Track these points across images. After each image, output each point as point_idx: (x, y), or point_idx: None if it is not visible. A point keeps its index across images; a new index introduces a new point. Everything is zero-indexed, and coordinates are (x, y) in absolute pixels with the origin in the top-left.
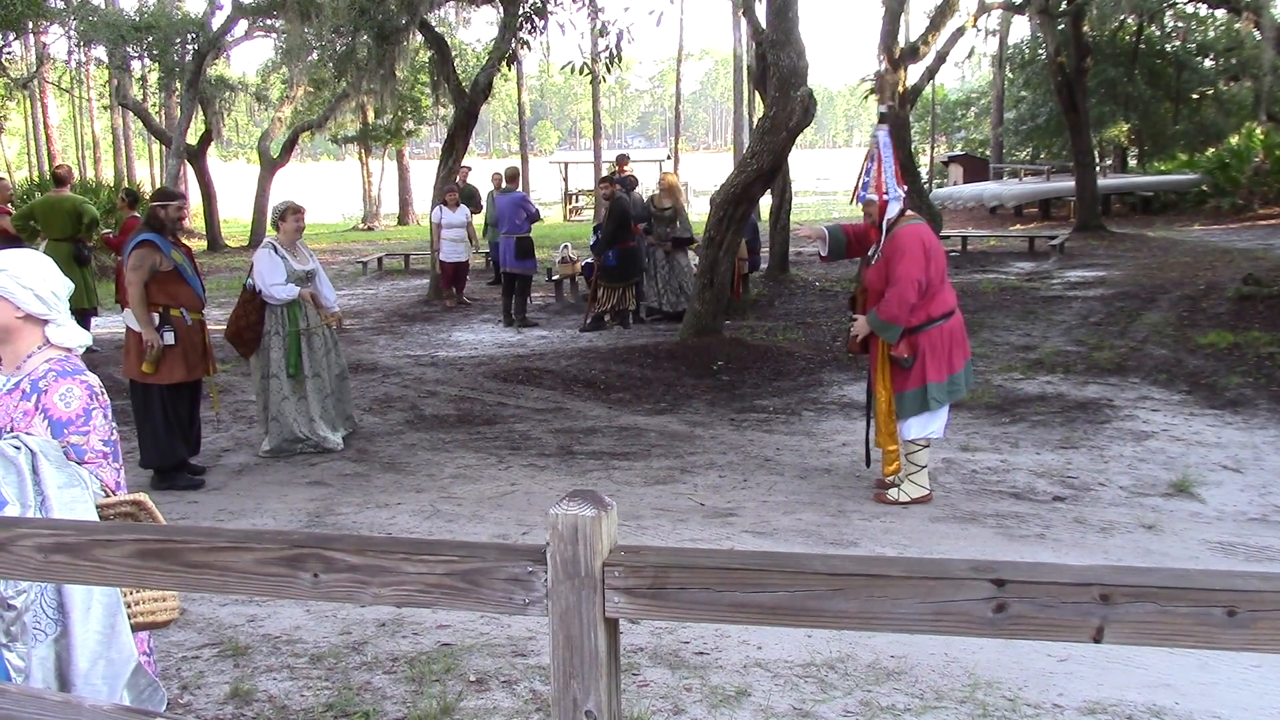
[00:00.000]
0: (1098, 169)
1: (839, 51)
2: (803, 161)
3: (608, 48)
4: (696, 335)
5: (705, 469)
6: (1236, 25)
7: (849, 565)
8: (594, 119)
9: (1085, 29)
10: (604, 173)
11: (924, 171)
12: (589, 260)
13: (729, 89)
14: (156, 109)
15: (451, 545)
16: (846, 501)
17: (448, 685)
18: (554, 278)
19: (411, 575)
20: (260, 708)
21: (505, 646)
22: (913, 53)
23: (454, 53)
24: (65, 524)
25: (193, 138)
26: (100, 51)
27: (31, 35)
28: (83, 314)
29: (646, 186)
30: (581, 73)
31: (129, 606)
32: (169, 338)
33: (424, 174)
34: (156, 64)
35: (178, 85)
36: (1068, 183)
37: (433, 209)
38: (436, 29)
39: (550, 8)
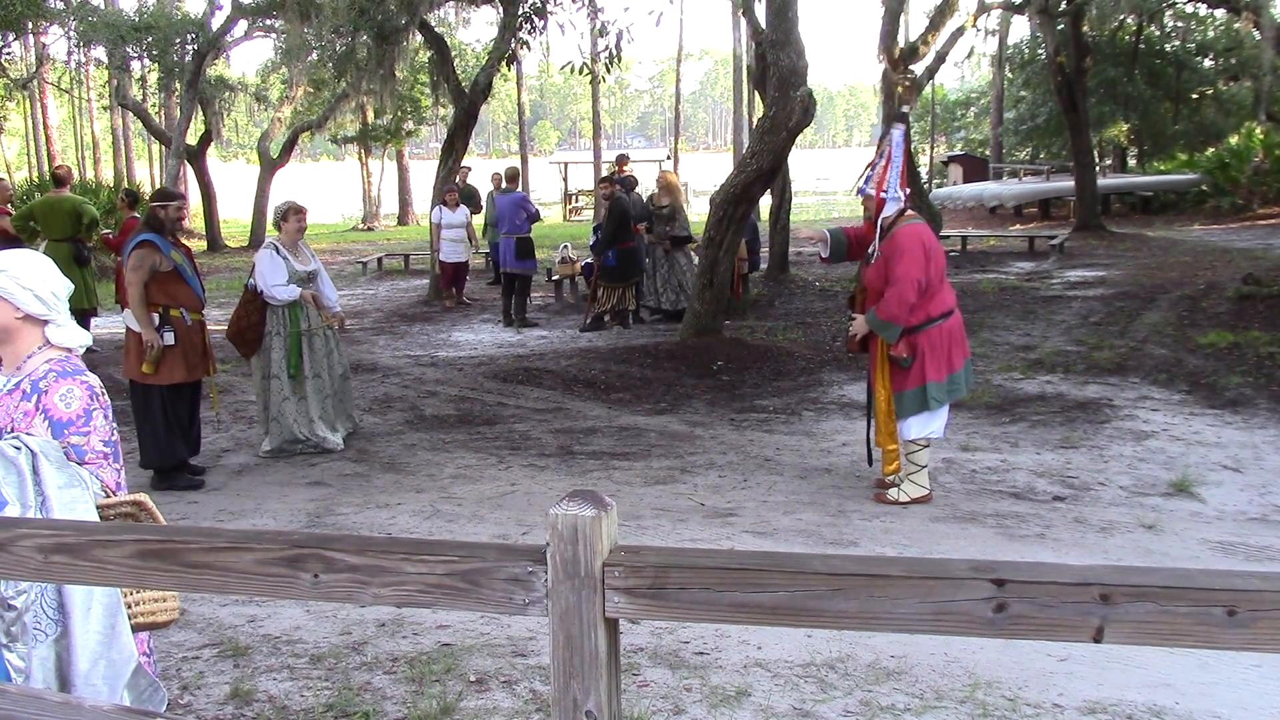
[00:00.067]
0: (1097, 169)
1: (839, 51)
2: (803, 161)
3: (607, 48)
4: (696, 335)
5: (705, 469)
6: (1236, 25)
7: (849, 565)
8: (594, 119)
9: (1085, 29)
10: (604, 173)
11: (924, 171)
12: (589, 260)
13: (729, 89)
14: (156, 109)
15: (451, 545)
16: (846, 501)
17: (448, 685)
18: (554, 278)
19: (412, 575)
20: (260, 708)
21: (505, 646)
22: (912, 53)
23: (454, 53)
24: (65, 524)
25: (192, 138)
26: (100, 52)
27: (31, 35)
28: (83, 314)
29: (646, 187)
30: (581, 73)
31: (129, 607)
32: (169, 338)
33: (424, 174)
34: (156, 64)
35: (177, 85)
36: (1067, 183)
37: (432, 209)
38: (436, 29)
39: (550, 8)
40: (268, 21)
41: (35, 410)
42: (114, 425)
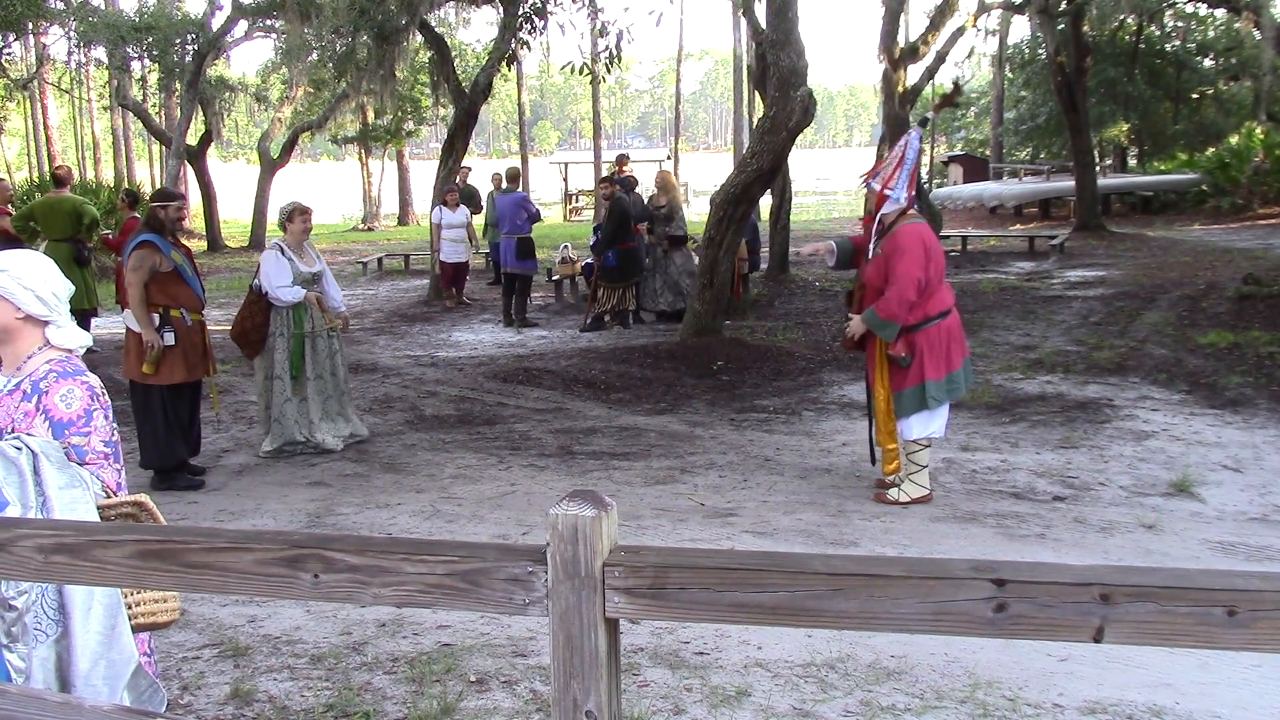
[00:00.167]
0: (1098, 169)
1: (839, 51)
2: (803, 161)
3: (607, 48)
4: (696, 335)
5: (705, 469)
6: (1236, 25)
7: (849, 565)
8: (594, 119)
9: (1085, 29)
10: (604, 173)
11: (924, 171)
12: (589, 260)
13: (729, 89)
14: (156, 110)
15: (452, 545)
16: (846, 501)
17: (448, 685)
18: (554, 278)
19: (412, 575)
20: (260, 708)
21: (505, 647)
22: (913, 53)
23: (454, 53)
24: (65, 525)
25: (193, 138)
26: (100, 52)
27: (31, 36)
28: (83, 315)
29: (646, 187)
30: (581, 73)
31: (130, 607)
32: (169, 338)
33: (424, 174)
34: (156, 64)
35: (177, 86)
36: (1068, 183)
37: (433, 209)
38: (436, 29)
39: (550, 8)
40: (268, 22)
41: (36, 411)
42: (114, 425)
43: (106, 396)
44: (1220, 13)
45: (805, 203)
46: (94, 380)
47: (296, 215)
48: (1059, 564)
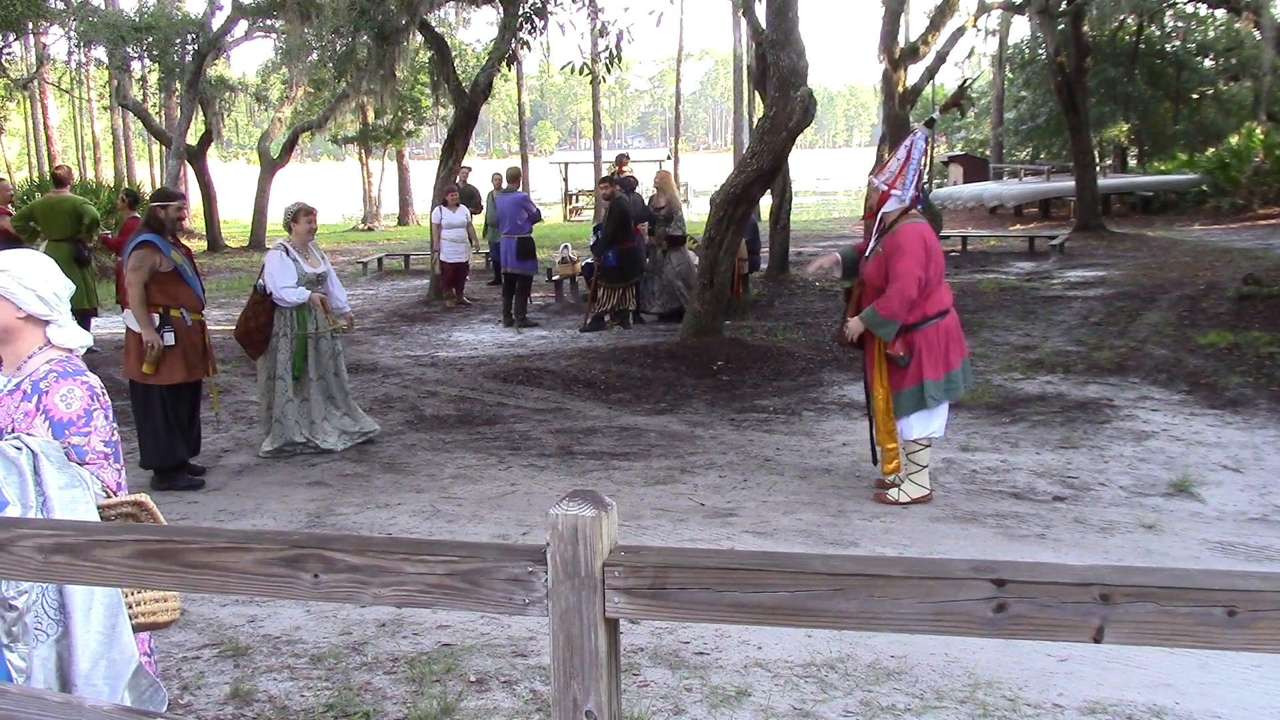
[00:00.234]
0: (1098, 169)
1: (839, 51)
2: (803, 161)
3: (608, 48)
4: (696, 335)
5: (705, 469)
6: (1236, 25)
7: (849, 565)
8: (594, 119)
9: (1085, 29)
10: (604, 173)
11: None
12: (589, 260)
13: (729, 89)
14: (156, 109)
15: (452, 545)
16: (846, 501)
17: (448, 685)
18: (554, 278)
19: (412, 575)
20: (260, 708)
21: (505, 647)
22: (913, 53)
23: (454, 53)
24: (66, 524)
25: (193, 138)
26: (100, 52)
27: (31, 36)
28: (83, 315)
29: (646, 187)
30: (581, 73)
31: (130, 607)
32: (169, 338)
33: (424, 174)
34: (156, 64)
35: (178, 86)
36: (1068, 183)
37: (433, 209)
38: (436, 29)
39: (550, 8)
40: (268, 22)
41: (36, 410)
42: (114, 425)
43: (106, 396)
44: (1220, 13)
45: (805, 203)
46: (94, 380)
47: (302, 216)
48: (1059, 564)
